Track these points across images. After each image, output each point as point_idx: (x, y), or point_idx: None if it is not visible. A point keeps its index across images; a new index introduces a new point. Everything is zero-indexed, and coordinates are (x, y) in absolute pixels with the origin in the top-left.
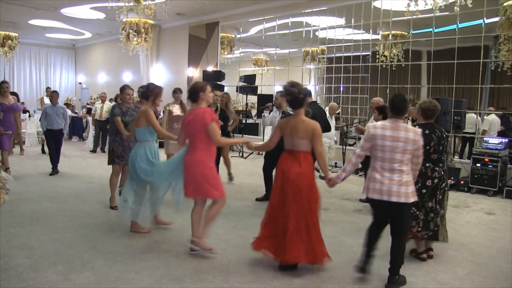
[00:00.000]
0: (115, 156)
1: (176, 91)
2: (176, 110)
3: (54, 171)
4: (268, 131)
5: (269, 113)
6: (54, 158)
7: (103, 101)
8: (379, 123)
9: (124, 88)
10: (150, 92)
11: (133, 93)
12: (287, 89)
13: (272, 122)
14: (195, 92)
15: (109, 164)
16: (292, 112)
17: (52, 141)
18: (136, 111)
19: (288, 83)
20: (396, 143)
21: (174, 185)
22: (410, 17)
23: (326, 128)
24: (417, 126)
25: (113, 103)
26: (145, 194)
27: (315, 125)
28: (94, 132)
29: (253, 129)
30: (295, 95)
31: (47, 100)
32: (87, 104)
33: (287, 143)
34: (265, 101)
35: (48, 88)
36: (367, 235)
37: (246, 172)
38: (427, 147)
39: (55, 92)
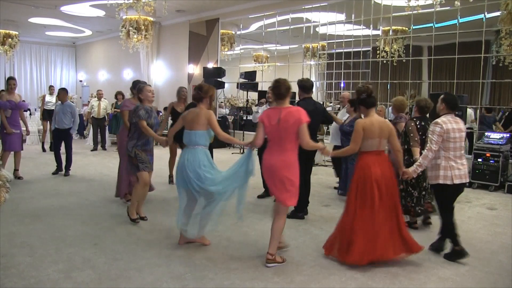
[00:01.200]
0: (139, 161)
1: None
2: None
3: (58, 169)
4: None
5: (262, 109)
6: (58, 158)
7: (99, 99)
8: (442, 119)
9: (143, 85)
10: (204, 94)
11: (152, 89)
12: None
13: None
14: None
15: (133, 172)
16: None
17: (58, 141)
18: (142, 109)
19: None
20: (461, 134)
21: (238, 194)
22: (411, 12)
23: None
24: (414, 119)
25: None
26: (195, 206)
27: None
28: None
29: (254, 126)
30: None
31: (48, 98)
32: (88, 102)
33: (373, 144)
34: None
35: (51, 87)
36: (451, 222)
37: None
38: (423, 136)
39: (62, 89)
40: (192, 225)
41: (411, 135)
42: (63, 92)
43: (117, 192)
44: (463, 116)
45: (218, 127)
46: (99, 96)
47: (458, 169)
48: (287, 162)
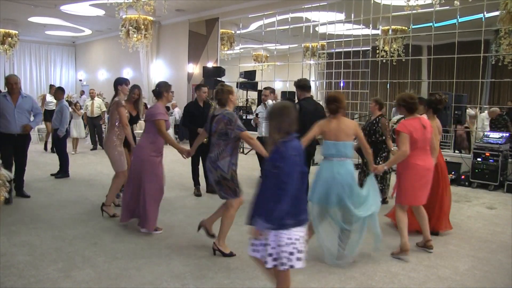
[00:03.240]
0: (236, 185)
1: (199, 87)
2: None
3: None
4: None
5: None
6: (59, 160)
7: (92, 98)
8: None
9: (200, 86)
10: (341, 104)
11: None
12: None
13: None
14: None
15: (224, 197)
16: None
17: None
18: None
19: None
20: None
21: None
22: (410, 11)
23: None
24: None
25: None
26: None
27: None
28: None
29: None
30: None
31: (49, 98)
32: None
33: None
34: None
35: (52, 86)
36: None
37: (247, 167)
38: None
39: (58, 88)
40: (350, 247)
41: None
42: (59, 91)
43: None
44: (462, 116)
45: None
46: (92, 95)
47: None
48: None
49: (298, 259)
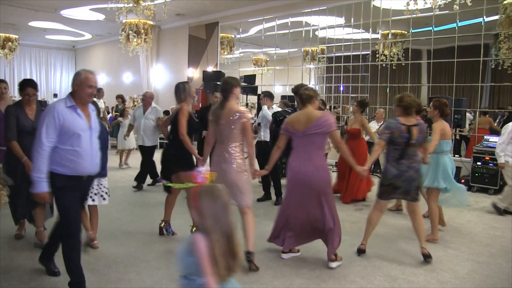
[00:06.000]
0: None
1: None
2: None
3: None
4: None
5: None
6: None
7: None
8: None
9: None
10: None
11: None
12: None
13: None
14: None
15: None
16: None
17: None
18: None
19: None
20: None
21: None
22: (410, 16)
23: None
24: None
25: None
26: None
27: None
28: None
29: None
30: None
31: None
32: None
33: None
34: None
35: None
36: None
37: None
38: None
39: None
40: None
41: None
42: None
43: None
44: (462, 120)
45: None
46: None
47: None
48: None
49: None
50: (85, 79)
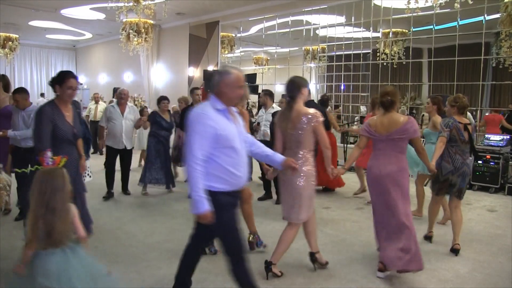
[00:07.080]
0: None
1: (193, 90)
2: None
3: None
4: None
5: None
6: None
7: (96, 102)
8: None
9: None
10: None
11: None
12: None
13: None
14: None
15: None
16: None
17: None
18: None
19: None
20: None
21: None
22: (411, 14)
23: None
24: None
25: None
26: None
27: None
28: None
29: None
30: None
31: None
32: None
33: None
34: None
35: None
36: None
37: None
38: None
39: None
40: None
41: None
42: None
43: None
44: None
45: None
46: (96, 99)
47: None
48: None
49: None
50: (236, 80)
